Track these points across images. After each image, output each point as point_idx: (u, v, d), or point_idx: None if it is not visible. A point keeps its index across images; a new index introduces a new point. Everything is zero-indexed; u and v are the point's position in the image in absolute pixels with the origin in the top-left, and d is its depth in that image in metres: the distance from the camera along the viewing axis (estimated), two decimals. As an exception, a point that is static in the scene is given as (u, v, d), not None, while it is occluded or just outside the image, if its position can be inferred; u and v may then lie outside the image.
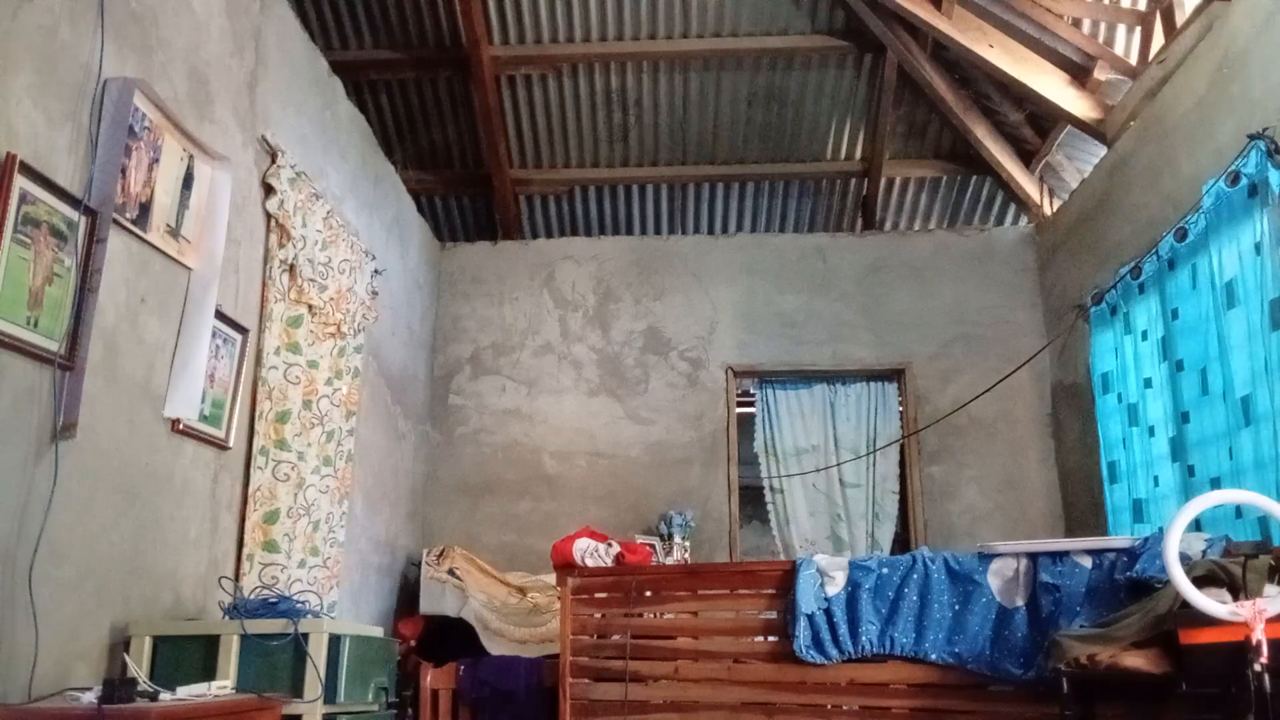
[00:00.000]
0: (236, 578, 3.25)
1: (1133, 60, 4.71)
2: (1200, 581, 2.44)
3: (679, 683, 3.52)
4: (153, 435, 2.83)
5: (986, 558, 3.33)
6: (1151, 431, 4.23)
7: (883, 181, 6.31)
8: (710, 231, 6.70)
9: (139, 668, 2.47)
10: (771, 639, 3.46)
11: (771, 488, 5.77)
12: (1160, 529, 3.06)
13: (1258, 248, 3.41)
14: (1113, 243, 4.74)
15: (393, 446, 5.10)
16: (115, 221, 2.59)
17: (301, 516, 3.61)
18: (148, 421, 2.80)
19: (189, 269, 2.99)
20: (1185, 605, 2.36)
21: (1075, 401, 5.21)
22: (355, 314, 4.23)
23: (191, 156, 3.00)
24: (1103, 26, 4.90)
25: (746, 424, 5.93)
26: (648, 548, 4.45)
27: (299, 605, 2.77)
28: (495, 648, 4.42)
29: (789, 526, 5.68)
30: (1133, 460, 4.37)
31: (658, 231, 6.71)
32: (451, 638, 4.54)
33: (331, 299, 3.96)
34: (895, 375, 5.79)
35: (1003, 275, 5.84)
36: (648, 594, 3.67)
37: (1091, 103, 4.90)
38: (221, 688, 2.38)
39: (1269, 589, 2.44)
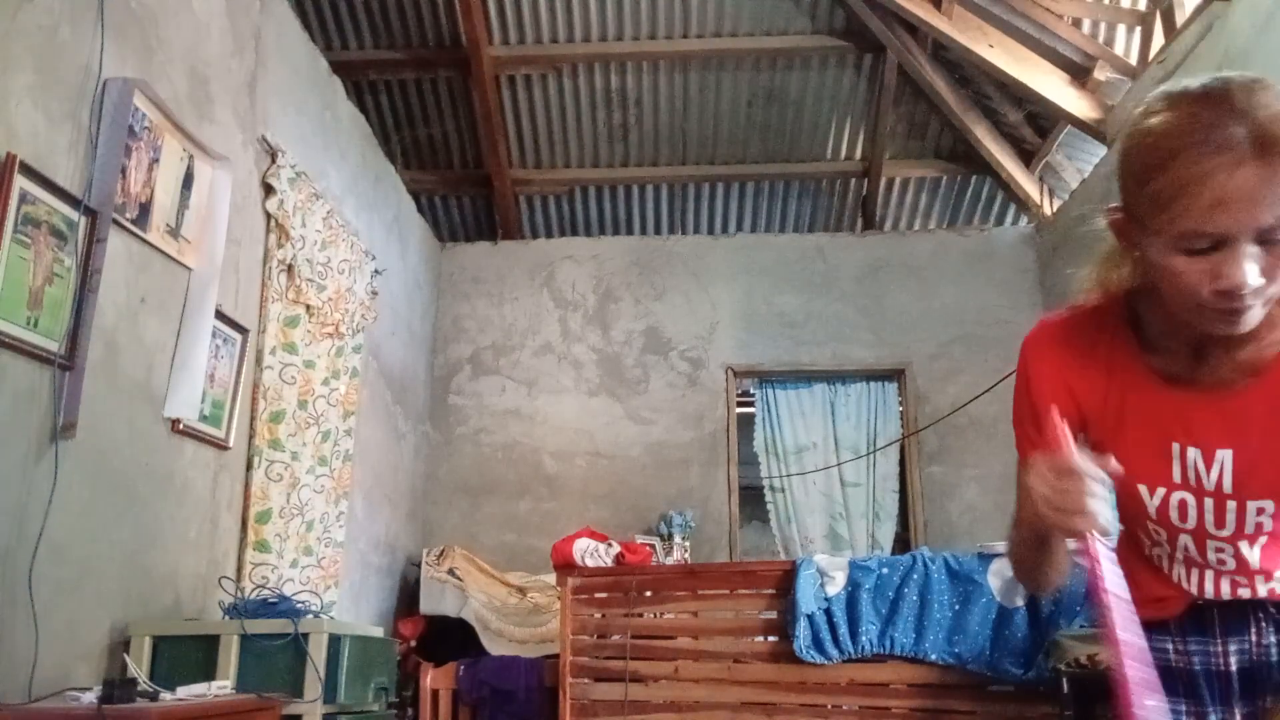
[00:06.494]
0: (237, 578, 3.25)
1: (1133, 60, 4.71)
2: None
3: (679, 683, 3.53)
4: (153, 435, 2.83)
5: (986, 558, 3.34)
6: (1151, 431, 4.22)
7: (883, 181, 6.31)
8: (710, 231, 6.70)
9: (139, 668, 2.47)
10: (771, 639, 3.47)
11: (772, 487, 5.77)
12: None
13: (1258, 248, 3.40)
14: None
15: (393, 446, 5.10)
16: (115, 221, 2.59)
17: (294, 516, 3.60)
18: (148, 421, 2.80)
19: (189, 269, 2.99)
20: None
21: (1075, 401, 5.20)
22: (354, 314, 4.23)
23: (191, 156, 3.00)
24: (1103, 26, 4.90)
25: (746, 424, 5.93)
26: (648, 548, 4.45)
27: (299, 605, 2.77)
28: (495, 648, 4.42)
29: (789, 526, 5.68)
30: (1133, 460, 4.36)
31: (658, 231, 6.70)
32: (451, 638, 4.55)
33: (330, 299, 3.96)
34: (895, 375, 5.79)
35: (1003, 275, 5.84)
36: (648, 594, 3.68)
37: (1091, 103, 4.90)
38: (221, 688, 2.38)
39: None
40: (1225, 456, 1.12)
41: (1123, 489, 1.21)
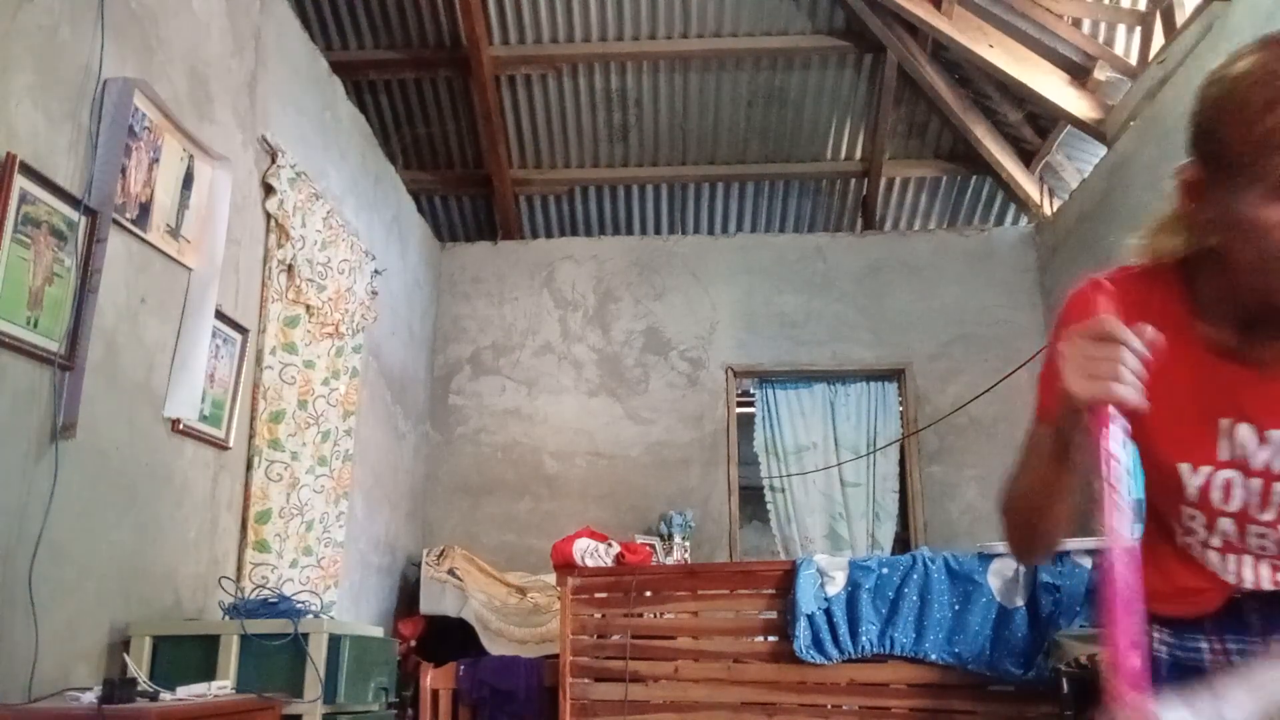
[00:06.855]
0: (237, 578, 3.25)
1: (1133, 60, 4.71)
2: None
3: (679, 683, 3.53)
4: (153, 435, 2.83)
5: (986, 558, 3.33)
6: (1151, 431, 4.21)
7: (883, 181, 6.31)
8: (710, 231, 6.70)
9: (139, 668, 2.47)
10: (771, 639, 3.47)
11: (772, 487, 5.77)
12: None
13: (1258, 248, 3.40)
14: (1112, 243, 4.74)
15: (393, 446, 5.10)
16: (115, 221, 2.59)
17: (294, 516, 3.60)
18: (148, 421, 2.80)
19: (189, 269, 2.99)
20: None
21: (1075, 401, 5.20)
22: (354, 314, 4.23)
23: (191, 156, 3.00)
24: (1103, 26, 4.90)
25: (746, 424, 5.93)
26: (648, 548, 4.45)
27: (299, 605, 2.77)
28: (495, 648, 4.42)
29: (789, 526, 5.68)
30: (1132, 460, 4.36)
31: (658, 231, 6.70)
32: (451, 638, 4.55)
33: (330, 299, 3.96)
34: (895, 375, 5.79)
35: (1003, 275, 5.84)
36: (648, 594, 3.67)
37: (1091, 103, 4.90)
38: (221, 688, 2.38)
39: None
40: (1277, 436, 1.07)
41: (1157, 470, 1.15)
